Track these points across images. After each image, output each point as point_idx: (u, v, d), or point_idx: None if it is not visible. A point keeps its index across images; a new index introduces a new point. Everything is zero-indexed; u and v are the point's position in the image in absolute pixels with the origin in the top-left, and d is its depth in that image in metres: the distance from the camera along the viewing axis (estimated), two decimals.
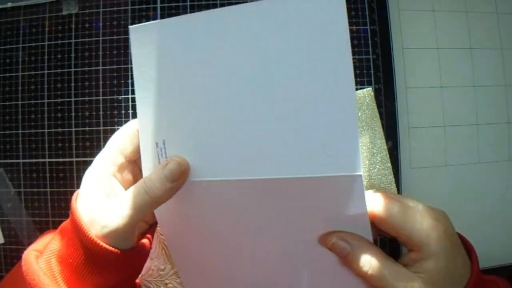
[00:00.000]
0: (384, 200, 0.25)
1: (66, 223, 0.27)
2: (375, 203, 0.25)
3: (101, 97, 0.44)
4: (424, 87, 0.45)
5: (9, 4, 0.45)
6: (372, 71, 0.44)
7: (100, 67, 0.44)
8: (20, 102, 0.45)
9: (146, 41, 0.25)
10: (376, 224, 0.26)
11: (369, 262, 0.24)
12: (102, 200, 0.26)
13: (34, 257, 0.26)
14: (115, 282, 0.26)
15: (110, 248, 0.25)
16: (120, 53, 0.44)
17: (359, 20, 0.44)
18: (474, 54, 0.45)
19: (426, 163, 0.44)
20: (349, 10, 0.45)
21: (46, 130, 0.44)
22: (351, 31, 0.44)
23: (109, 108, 0.44)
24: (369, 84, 0.44)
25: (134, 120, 0.28)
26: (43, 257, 0.26)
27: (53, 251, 0.26)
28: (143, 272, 0.42)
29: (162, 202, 0.26)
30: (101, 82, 0.44)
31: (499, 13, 0.45)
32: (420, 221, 0.25)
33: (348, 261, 0.25)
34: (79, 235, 0.25)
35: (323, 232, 0.26)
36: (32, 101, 0.45)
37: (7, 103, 0.45)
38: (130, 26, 0.25)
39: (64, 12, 0.45)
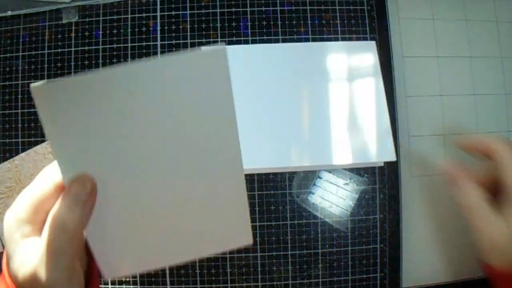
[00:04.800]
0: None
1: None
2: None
3: None
4: (424, 96, 0.45)
5: (9, 13, 0.45)
6: None
7: None
8: (20, 111, 0.45)
9: (51, 100, 0.23)
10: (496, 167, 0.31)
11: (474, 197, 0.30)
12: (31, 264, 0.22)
13: None
14: None
15: None
16: (120, 61, 0.44)
17: (359, 29, 0.44)
18: (474, 62, 0.45)
19: (426, 171, 0.44)
20: (349, 19, 0.45)
21: (46, 139, 0.44)
22: (352, 40, 0.44)
23: None
24: None
25: (48, 169, 0.25)
26: None
27: None
28: None
29: (83, 229, 0.24)
30: None
31: (499, 21, 0.45)
32: None
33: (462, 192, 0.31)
34: None
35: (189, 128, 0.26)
36: (32, 110, 0.45)
37: (7, 111, 0.45)
38: (31, 85, 0.23)
39: (64, 21, 0.45)
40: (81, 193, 0.23)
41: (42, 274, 0.22)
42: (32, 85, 0.23)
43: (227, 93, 0.25)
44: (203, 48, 0.25)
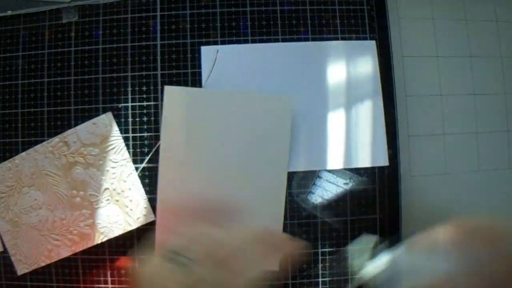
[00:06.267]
0: None
1: None
2: None
3: (100, 105, 0.44)
4: (424, 95, 0.45)
5: (9, 12, 0.45)
6: None
7: (100, 75, 0.44)
8: (20, 110, 0.45)
9: (176, 100, 0.38)
10: None
11: None
12: None
13: None
14: None
15: None
16: (120, 61, 0.44)
17: (359, 28, 0.44)
18: (473, 62, 0.45)
19: (426, 171, 0.44)
20: (349, 18, 0.45)
21: (46, 138, 0.44)
22: (352, 40, 0.44)
23: None
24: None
25: None
26: None
27: None
28: (49, 227, 0.42)
29: None
30: (100, 90, 0.44)
31: (499, 21, 0.45)
32: None
33: None
34: None
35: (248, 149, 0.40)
36: (32, 109, 0.45)
37: (7, 111, 0.45)
38: (166, 87, 0.38)
39: (64, 21, 0.45)
40: None
41: None
42: (166, 86, 0.38)
43: (286, 131, 0.39)
44: (272, 95, 0.41)
